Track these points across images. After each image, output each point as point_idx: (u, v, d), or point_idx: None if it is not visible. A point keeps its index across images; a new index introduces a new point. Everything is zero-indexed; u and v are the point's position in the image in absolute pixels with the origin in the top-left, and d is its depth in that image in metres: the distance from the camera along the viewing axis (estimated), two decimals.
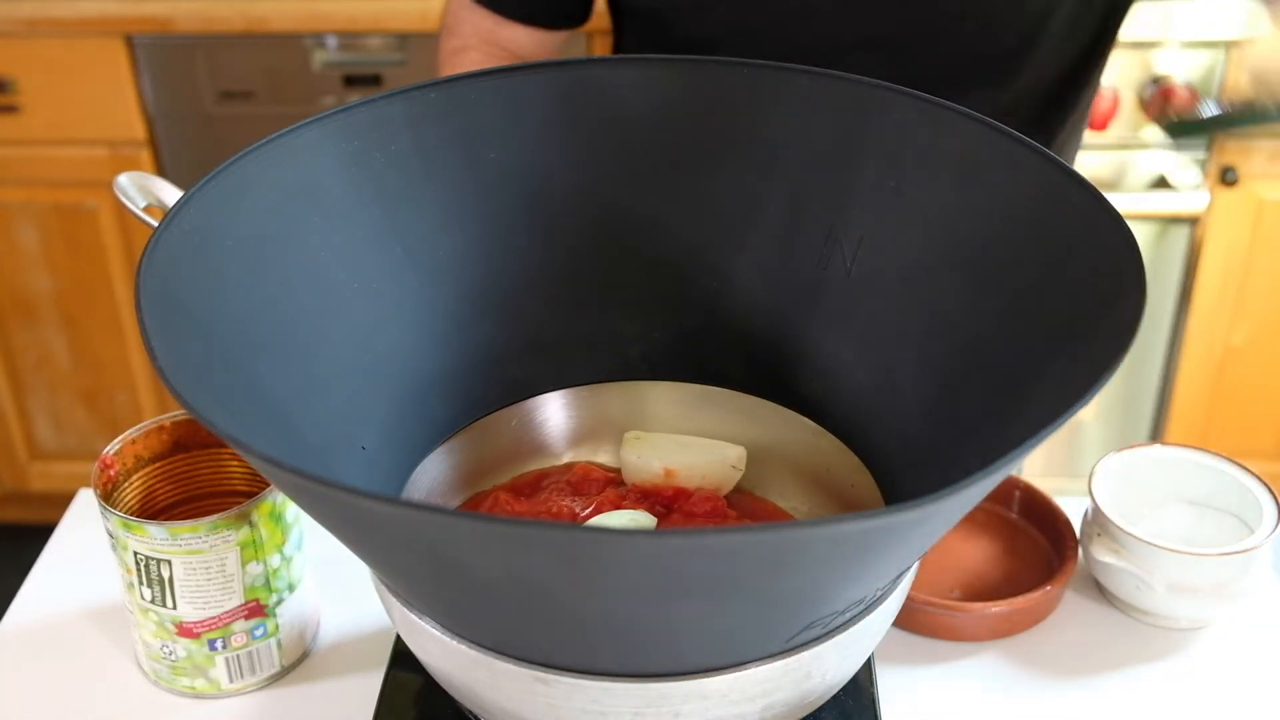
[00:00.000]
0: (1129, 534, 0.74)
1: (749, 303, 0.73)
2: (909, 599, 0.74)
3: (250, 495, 0.74)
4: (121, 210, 1.73)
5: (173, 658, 0.71)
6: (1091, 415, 1.84)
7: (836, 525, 0.43)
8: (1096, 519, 0.77)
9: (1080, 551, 0.78)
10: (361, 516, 0.48)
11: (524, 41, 0.99)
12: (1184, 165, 1.68)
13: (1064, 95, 0.95)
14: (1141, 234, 1.70)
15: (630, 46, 1.01)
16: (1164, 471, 0.80)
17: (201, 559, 0.68)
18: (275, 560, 0.70)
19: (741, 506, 0.73)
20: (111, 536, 0.69)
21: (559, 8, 0.99)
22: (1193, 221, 1.70)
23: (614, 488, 0.72)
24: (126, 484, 0.73)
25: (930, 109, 0.66)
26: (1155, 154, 1.68)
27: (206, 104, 1.70)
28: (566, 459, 0.76)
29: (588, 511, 0.70)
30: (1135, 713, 0.72)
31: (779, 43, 0.90)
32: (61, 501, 0.90)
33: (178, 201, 0.59)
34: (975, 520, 0.83)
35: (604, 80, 0.71)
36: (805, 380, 0.73)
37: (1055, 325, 0.59)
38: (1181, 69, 1.61)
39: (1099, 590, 0.79)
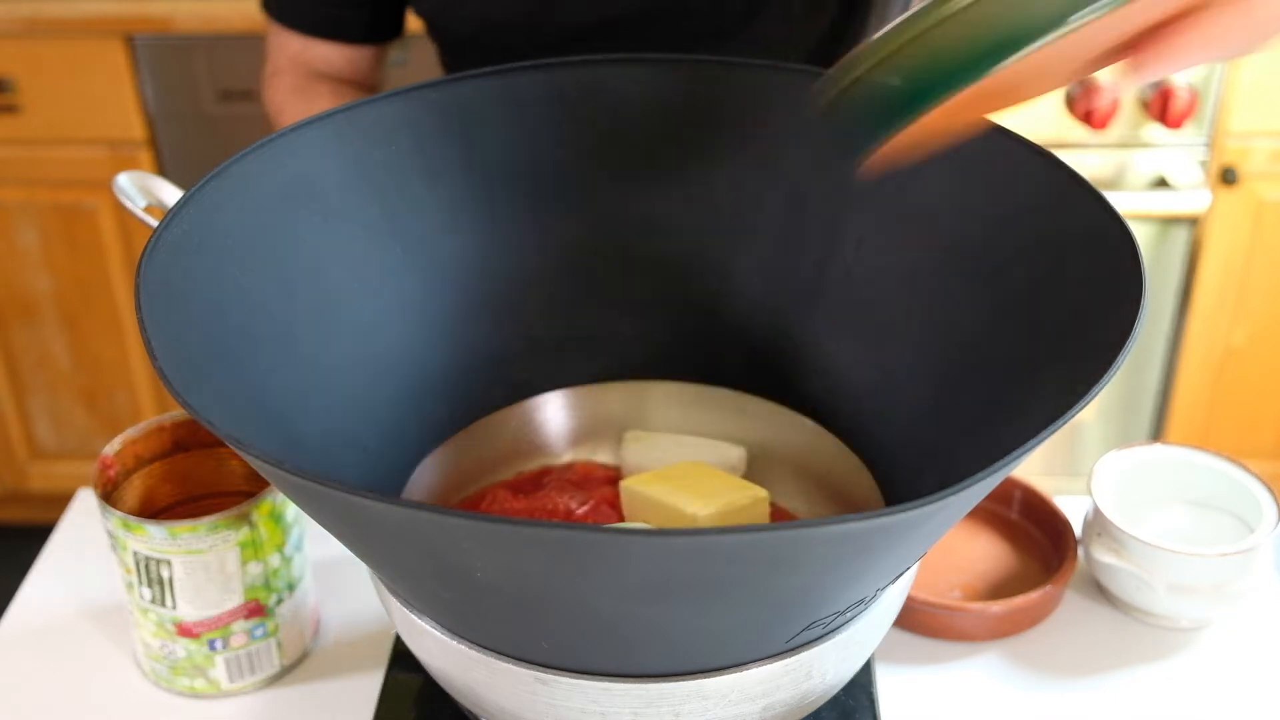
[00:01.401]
0: (1129, 534, 0.74)
1: (749, 302, 0.73)
2: (909, 599, 0.74)
3: (250, 495, 0.73)
4: (121, 210, 1.73)
5: (173, 658, 0.71)
6: (1091, 415, 1.84)
7: (836, 525, 0.43)
8: (1096, 519, 0.77)
9: (1080, 551, 0.78)
10: (361, 516, 0.48)
11: (334, 59, 0.97)
12: (1184, 165, 1.68)
13: (839, 37, 0.93)
14: (1141, 234, 1.70)
15: (436, 48, 1.00)
16: (1164, 471, 0.80)
17: (201, 559, 0.68)
18: (275, 560, 0.70)
19: None
20: (111, 536, 0.69)
21: (367, 23, 0.97)
22: (1193, 221, 1.70)
23: (612, 485, 0.72)
24: (126, 484, 0.73)
25: None
26: (1155, 154, 1.68)
27: (206, 104, 1.70)
28: (567, 459, 0.76)
29: (585, 509, 0.70)
30: (1135, 713, 0.72)
31: (526, 33, 0.90)
32: (61, 501, 0.90)
33: (178, 201, 0.59)
34: (975, 520, 0.83)
35: (604, 80, 0.71)
36: (805, 380, 0.73)
37: (1055, 325, 0.59)
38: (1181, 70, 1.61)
39: (1099, 590, 0.79)
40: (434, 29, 0.98)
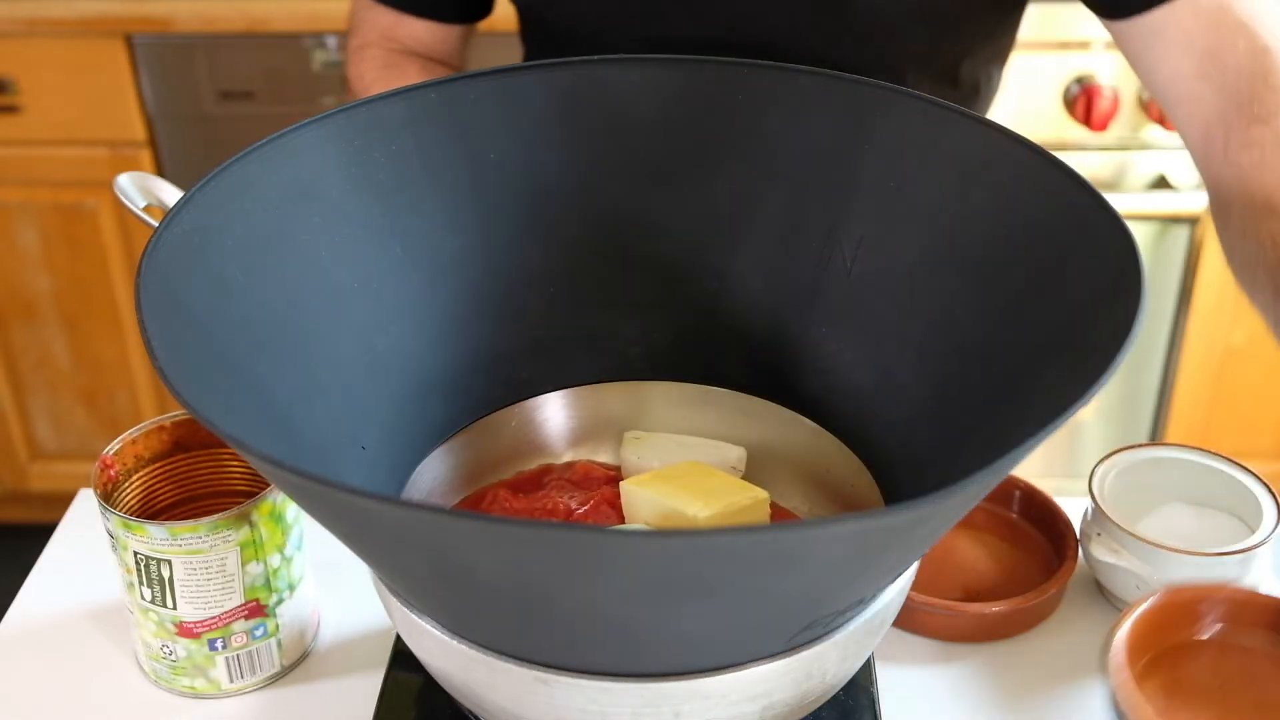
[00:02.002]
0: (1129, 534, 0.74)
1: (749, 302, 0.73)
2: (909, 599, 0.74)
3: (250, 495, 0.74)
4: (121, 210, 1.73)
5: (173, 658, 0.71)
6: (1091, 415, 1.84)
7: (836, 525, 0.43)
8: (1096, 519, 0.77)
9: (1080, 551, 0.78)
10: (361, 516, 0.48)
11: (424, 37, 0.98)
12: (1184, 165, 1.68)
13: (960, 78, 0.94)
14: (1141, 234, 1.70)
15: (524, 39, 1.01)
16: (1164, 471, 0.80)
17: (201, 559, 0.68)
18: (275, 560, 0.70)
19: None
20: (111, 536, 0.69)
21: (461, 2, 0.98)
22: (1193, 221, 1.70)
23: (612, 485, 0.72)
24: (126, 484, 0.73)
25: (930, 109, 0.66)
26: (1155, 154, 1.68)
27: (206, 104, 1.70)
28: (567, 458, 0.76)
29: (585, 509, 0.70)
30: None
31: (624, 39, 0.89)
32: (61, 501, 0.90)
33: (178, 201, 0.59)
34: (975, 520, 0.83)
35: (604, 80, 0.71)
36: (805, 380, 0.73)
37: (1055, 325, 0.59)
38: None
39: (1099, 590, 0.79)
40: (531, 22, 0.97)
